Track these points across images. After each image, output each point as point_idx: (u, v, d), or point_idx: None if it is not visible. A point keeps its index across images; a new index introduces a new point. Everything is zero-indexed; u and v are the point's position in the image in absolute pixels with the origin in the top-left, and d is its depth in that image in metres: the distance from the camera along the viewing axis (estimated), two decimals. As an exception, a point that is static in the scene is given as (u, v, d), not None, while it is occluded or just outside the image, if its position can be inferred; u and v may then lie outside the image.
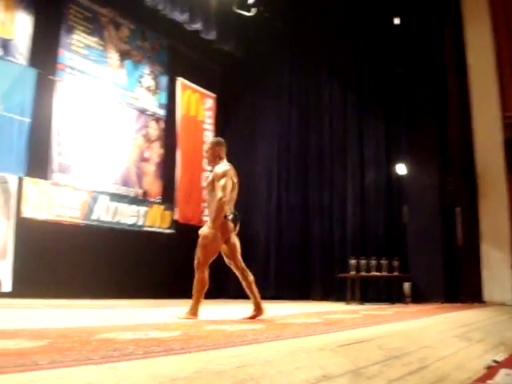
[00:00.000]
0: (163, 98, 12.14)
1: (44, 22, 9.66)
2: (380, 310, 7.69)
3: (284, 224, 12.71)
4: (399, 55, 11.45)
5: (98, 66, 10.71)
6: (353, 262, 10.42)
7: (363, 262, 10.36)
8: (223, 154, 5.44)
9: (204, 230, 5.12)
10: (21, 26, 9.35)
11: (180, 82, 12.30)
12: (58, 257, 9.41)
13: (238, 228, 5.26)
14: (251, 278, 5.19)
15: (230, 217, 5.12)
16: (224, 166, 5.34)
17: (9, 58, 9.14)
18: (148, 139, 11.67)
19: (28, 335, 2.85)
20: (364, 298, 10.30)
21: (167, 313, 5.17)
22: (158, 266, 10.87)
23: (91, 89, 10.51)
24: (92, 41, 10.65)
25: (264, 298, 11.39)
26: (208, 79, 13.03)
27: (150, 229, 11.26)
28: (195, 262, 5.11)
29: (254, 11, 11.72)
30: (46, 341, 2.56)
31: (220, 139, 5.64)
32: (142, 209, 11.15)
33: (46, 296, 8.59)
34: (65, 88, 10.02)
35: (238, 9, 11.73)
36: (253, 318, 5.11)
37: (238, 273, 5.18)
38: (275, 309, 7.69)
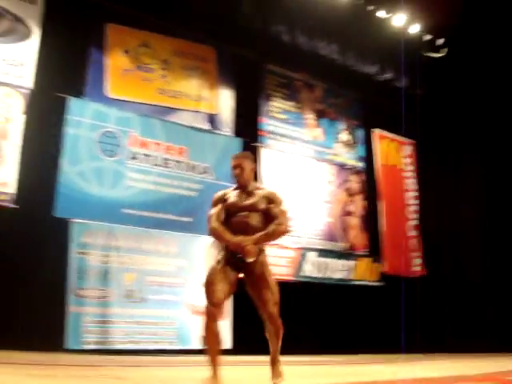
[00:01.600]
0: (361, 150, 12.21)
1: (244, 94, 10.38)
2: None
3: (502, 272, 11.84)
4: None
5: (297, 128, 11.16)
6: None
7: None
8: None
9: (264, 259, 4.14)
10: (224, 101, 10.17)
11: (376, 133, 12.33)
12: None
13: None
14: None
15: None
16: (275, 190, 4.54)
17: (216, 130, 9.96)
18: (350, 193, 11.76)
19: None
20: None
21: (386, 370, 5.04)
22: (368, 319, 10.75)
23: (292, 150, 10.96)
24: (289, 105, 11.17)
25: (481, 351, 10.71)
26: (404, 126, 12.86)
27: (358, 282, 11.21)
28: (270, 304, 4.14)
29: (443, 52, 11.38)
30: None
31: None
32: (351, 263, 11.18)
33: (262, 352, 8.87)
34: (268, 152, 10.58)
35: (427, 52, 11.48)
36: None
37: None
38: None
